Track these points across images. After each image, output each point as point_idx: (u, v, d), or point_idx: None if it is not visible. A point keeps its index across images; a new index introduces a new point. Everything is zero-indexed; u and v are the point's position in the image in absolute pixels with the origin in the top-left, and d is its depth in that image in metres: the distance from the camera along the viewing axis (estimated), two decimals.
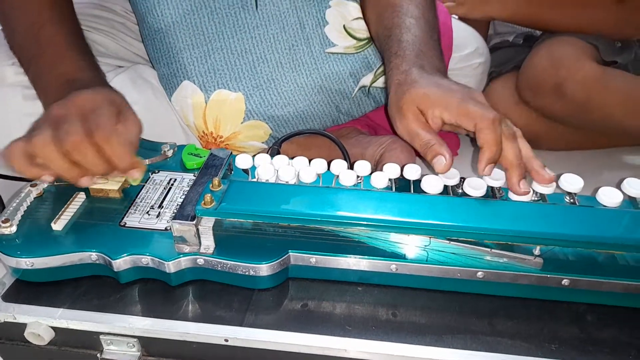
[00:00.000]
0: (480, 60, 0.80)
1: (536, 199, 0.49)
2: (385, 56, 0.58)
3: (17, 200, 0.49)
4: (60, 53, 0.55)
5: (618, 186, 0.49)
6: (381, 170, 0.51)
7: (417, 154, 0.77)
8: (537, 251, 0.46)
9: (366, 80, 0.69)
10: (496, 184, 0.48)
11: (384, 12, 0.61)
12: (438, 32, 0.59)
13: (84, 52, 0.57)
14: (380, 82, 0.70)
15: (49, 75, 0.54)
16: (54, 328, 0.44)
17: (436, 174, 0.48)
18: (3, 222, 0.47)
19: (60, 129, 0.45)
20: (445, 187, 0.49)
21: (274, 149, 0.63)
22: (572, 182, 0.48)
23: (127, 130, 0.47)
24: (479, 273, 0.45)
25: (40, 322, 0.44)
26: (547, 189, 0.47)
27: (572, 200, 0.49)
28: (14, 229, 0.47)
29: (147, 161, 0.54)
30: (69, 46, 0.56)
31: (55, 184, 0.52)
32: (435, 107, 0.48)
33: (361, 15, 0.67)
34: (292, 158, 0.52)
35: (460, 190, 0.49)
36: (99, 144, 0.45)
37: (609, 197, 0.47)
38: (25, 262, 0.45)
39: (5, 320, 0.45)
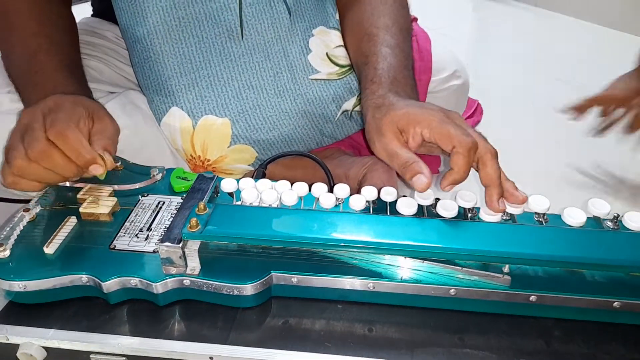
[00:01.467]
0: (458, 82, 0.83)
1: (506, 218, 0.52)
2: (362, 82, 0.61)
3: (11, 225, 0.51)
4: (51, 80, 0.58)
5: (583, 207, 0.52)
6: (359, 192, 0.54)
7: (398, 174, 0.81)
8: (506, 269, 0.48)
9: (348, 104, 0.72)
10: (468, 205, 0.51)
11: (362, 40, 0.64)
12: (412, 61, 0.62)
13: (72, 74, 0.60)
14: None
15: (36, 93, 0.56)
16: (45, 348, 0.46)
17: (415, 192, 0.51)
18: None
19: (26, 139, 0.48)
20: (420, 206, 0.51)
21: (260, 171, 0.66)
22: (539, 203, 0.51)
23: (102, 130, 0.50)
24: (451, 290, 0.48)
25: (33, 342, 0.46)
26: (517, 210, 0.50)
27: (540, 220, 0.52)
28: (7, 253, 0.49)
29: (116, 162, 0.55)
30: (61, 73, 0.59)
31: (47, 208, 0.54)
32: (417, 125, 0.50)
33: (342, 44, 0.71)
34: (277, 181, 0.55)
35: (434, 210, 0.52)
36: (54, 142, 0.47)
37: (573, 217, 0.50)
38: (19, 285, 0.47)
39: None
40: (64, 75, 0.59)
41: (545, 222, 0.52)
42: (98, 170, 0.50)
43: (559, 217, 0.52)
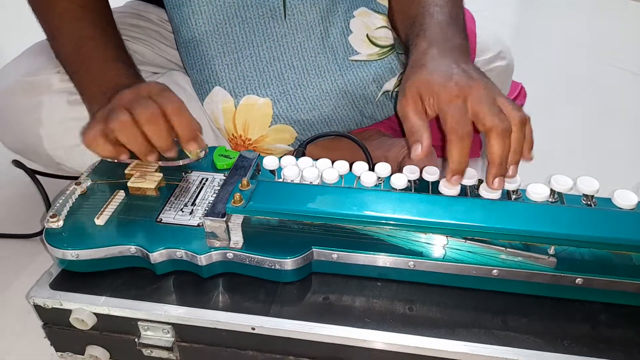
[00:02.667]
0: (503, 63, 0.81)
1: (554, 200, 0.51)
2: (409, 40, 0.60)
3: (63, 197, 0.54)
4: (102, 66, 0.60)
5: (635, 189, 0.50)
6: (402, 171, 0.53)
7: (439, 153, 0.79)
8: (551, 251, 0.47)
9: (389, 85, 0.72)
10: (511, 187, 0.50)
11: (410, 5, 0.63)
12: (464, 22, 0.60)
13: (125, 63, 0.61)
14: None
15: (93, 86, 0.58)
16: (96, 314, 0.48)
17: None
18: (51, 217, 0.51)
19: (135, 108, 0.52)
20: (463, 187, 0.51)
21: (300, 151, 0.66)
22: (588, 185, 0.50)
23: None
24: (494, 271, 0.47)
25: (84, 308, 0.48)
26: (562, 187, 0.49)
27: (588, 202, 0.51)
28: (60, 223, 0.51)
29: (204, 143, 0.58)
30: (111, 59, 0.60)
31: (100, 182, 0.56)
32: (432, 96, 0.50)
33: (384, 24, 0.70)
34: (317, 160, 0.55)
35: (477, 192, 0.51)
36: (171, 116, 0.52)
37: (624, 199, 0.48)
38: (71, 254, 0.49)
39: (53, 306, 0.49)
40: (116, 66, 0.61)
41: (594, 205, 0.50)
42: (195, 147, 0.54)
43: (608, 200, 0.50)
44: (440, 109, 0.49)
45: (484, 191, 0.49)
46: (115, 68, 0.59)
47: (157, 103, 0.52)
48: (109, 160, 0.59)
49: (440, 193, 0.50)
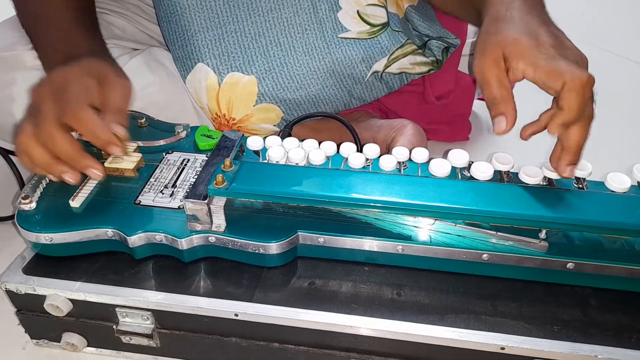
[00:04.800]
0: None
1: (545, 183, 0.49)
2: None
3: (36, 178, 0.51)
4: (64, 32, 0.56)
5: (628, 172, 0.49)
6: (391, 153, 0.52)
7: (429, 136, 0.78)
8: (542, 235, 0.46)
9: (379, 65, 0.70)
10: (504, 167, 0.49)
11: None
12: None
13: (85, 28, 0.57)
14: (394, 68, 0.70)
15: (54, 56, 0.54)
16: (72, 300, 0.46)
17: (448, 154, 0.49)
18: (23, 198, 0.49)
19: (36, 118, 0.45)
20: (453, 169, 0.49)
21: (285, 132, 0.64)
22: (580, 167, 0.48)
23: (110, 98, 0.47)
24: (484, 255, 0.46)
25: (59, 294, 0.46)
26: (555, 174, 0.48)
27: (580, 186, 0.49)
28: (33, 205, 0.49)
29: (127, 135, 0.49)
30: (74, 25, 0.56)
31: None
32: (520, 60, 0.43)
33: (376, 2, 0.67)
34: (303, 141, 0.53)
35: (468, 174, 0.50)
36: (69, 124, 0.44)
37: (617, 182, 0.47)
38: (45, 237, 0.47)
39: (26, 292, 0.46)
40: (77, 33, 0.57)
41: (586, 189, 0.49)
42: (116, 151, 0.47)
43: (601, 183, 0.49)
44: (540, 72, 0.42)
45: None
46: (76, 36, 0.55)
47: (55, 109, 0.45)
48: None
49: (431, 175, 0.48)
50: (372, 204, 0.45)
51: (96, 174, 0.47)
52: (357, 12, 0.68)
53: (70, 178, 0.46)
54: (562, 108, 0.42)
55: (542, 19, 0.46)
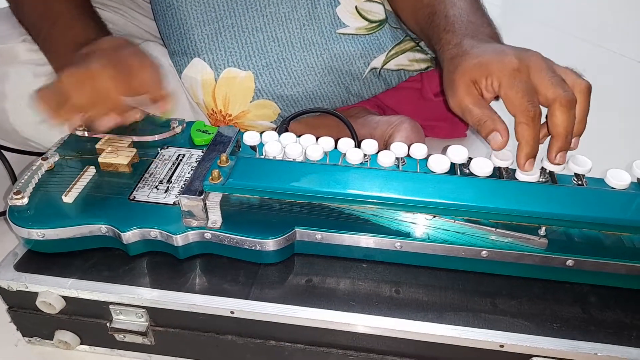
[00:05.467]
0: None
1: (544, 180, 0.49)
2: (433, 35, 0.56)
3: (29, 173, 0.50)
4: (71, 21, 0.56)
5: (628, 168, 0.48)
6: (389, 149, 0.51)
7: (427, 133, 0.77)
8: (542, 231, 0.46)
9: (377, 62, 0.69)
10: (503, 164, 0.48)
11: None
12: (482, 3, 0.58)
13: (93, 19, 0.58)
14: (392, 65, 0.70)
15: (61, 41, 0.55)
16: (64, 297, 0.46)
17: (446, 151, 0.48)
18: (15, 194, 0.48)
19: (91, 62, 0.47)
20: (452, 165, 0.49)
21: (282, 127, 0.63)
22: (580, 164, 0.48)
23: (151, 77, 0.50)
24: (483, 252, 0.45)
25: (51, 291, 0.45)
26: (555, 166, 0.47)
27: (580, 182, 0.49)
28: (25, 200, 0.48)
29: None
30: (79, 14, 0.57)
31: (65, 157, 0.53)
32: (489, 76, 0.46)
33: None
34: (300, 136, 0.53)
35: (467, 170, 0.49)
36: (133, 70, 0.48)
37: (617, 179, 0.47)
38: (37, 233, 0.46)
39: (18, 289, 0.46)
40: (85, 22, 0.57)
41: (586, 185, 0.49)
42: (169, 106, 0.50)
43: (600, 180, 0.49)
44: (502, 88, 0.45)
45: (520, 174, 0.47)
46: (83, 23, 0.56)
47: (117, 56, 0.48)
48: (79, 133, 0.55)
49: (430, 171, 0.48)
50: (370, 200, 0.45)
51: (167, 106, 0.50)
52: (356, 7, 0.67)
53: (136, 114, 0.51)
54: (519, 140, 0.45)
55: (496, 41, 0.51)
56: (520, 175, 0.47)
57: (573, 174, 0.49)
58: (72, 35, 0.54)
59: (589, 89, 0.45)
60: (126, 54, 0.49)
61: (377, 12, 0.67)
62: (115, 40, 0.51)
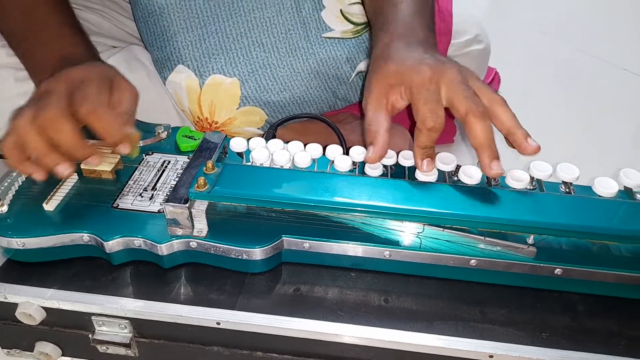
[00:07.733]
0: (480, 47, 0.79)
1: (532, 188, 0.49)
2: (374, 31, 0.57)
3: (9, 180, 0.49)
4: (53, 32, 0.55)
5: (614, 176, 0.49)
6: None
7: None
8: (530, 240, 0.46)
9: (363, 65, 0.69)
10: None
11: None
12: (433, 9, 0.58)
13: (77, 30, 0.56)
14: None
15: (42, 53, 0.53)
16: (45, 308, 0.44)
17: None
18: None
19: (41, 104, 0.44)
20: (441, 173, 0.48)
21: (270, 133, 0.63)
22: (567, 172, 0.48)
23: (121, 101, 0.47)
24: (472, 261, 0.45)
25: (31, 302, 0.44)
26: (542, 173, 0.47)
27: (567, 190, 0.49)
28: (4, 208, 0.47)
29: (139, 135, 0.50)
30: (62, 25, 0.55)
31: None
32: (403, 84, 0.47)
33: (358, 0, 0.66)
34: (288, 142, 0.52)
35: (455, 177, 0.49)
36: (85, 119, 0.44)
37: (604, 187, 0.47)
38: (17, 242, 0.45)
39: None
40: (71, 34, 0.56)
41: (573, 193, 0.49)
42: (127, 150, 0.46)
43: (587, 188, 0.49)
44: (412, 95, 0.46)
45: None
46: (66, 35, 0.54)
47: (68, 101, 0.44)
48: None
49: (418, 179, 0.47)
50: (358, 209, 0.44)
51: (96, 161, 0.47)
52: (341, 11, 0.67)
53: (65, 169, 0.45)
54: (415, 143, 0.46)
55: (422, 50, 0.50)
56: (510, 182, 0.47)
57: (561, 182, 0.49)
58: (55, 48, 0.53)
59: (504, 101, 0.45)
60: (89, 94, 0.46)
61: (363, 14, 0.67)
62: (80, 74, 0.48)
